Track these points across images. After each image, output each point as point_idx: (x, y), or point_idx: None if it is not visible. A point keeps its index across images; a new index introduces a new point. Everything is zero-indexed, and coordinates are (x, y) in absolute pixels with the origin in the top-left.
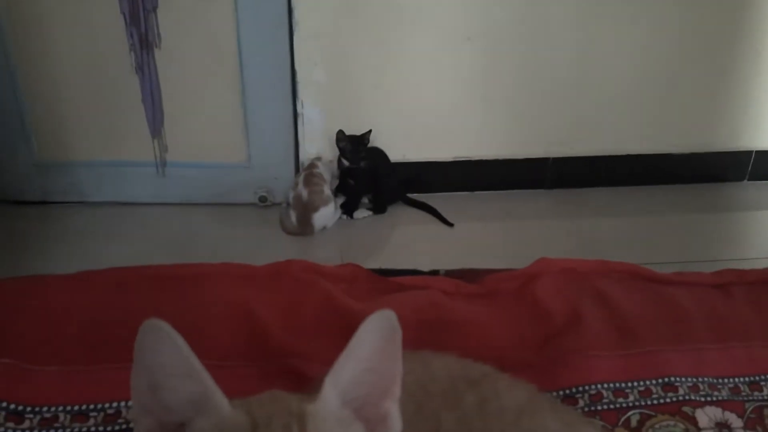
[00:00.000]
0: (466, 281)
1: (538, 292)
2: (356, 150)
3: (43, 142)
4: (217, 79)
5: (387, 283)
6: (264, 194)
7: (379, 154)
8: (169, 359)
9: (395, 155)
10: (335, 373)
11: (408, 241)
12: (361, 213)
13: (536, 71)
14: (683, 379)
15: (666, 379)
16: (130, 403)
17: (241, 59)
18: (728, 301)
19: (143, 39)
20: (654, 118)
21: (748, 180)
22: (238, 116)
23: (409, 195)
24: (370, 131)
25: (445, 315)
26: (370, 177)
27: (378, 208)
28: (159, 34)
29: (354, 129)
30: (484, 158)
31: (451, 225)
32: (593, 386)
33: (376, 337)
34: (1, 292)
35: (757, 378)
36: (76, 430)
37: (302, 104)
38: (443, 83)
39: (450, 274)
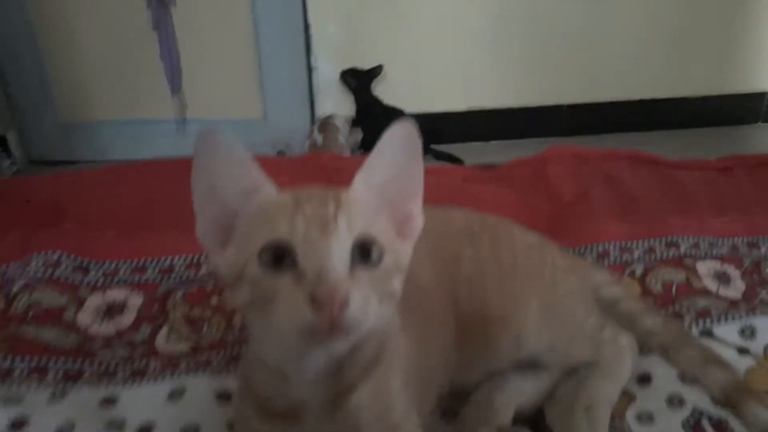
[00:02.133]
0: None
1: (549, 175)
2: (365, 86)
3: (65, 103)
4: (231, 35)
5: None
6: (282, 148)
7: (398, 113)
8: (224, 159)
9: (410, 108)
10: (363, 172)
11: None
12: None
13: (549, 18)
14: (685, 238)
15: (669, 239)
16: (182, 258)
17: (255, 15)
18: (731, 180)
19: None
20: (667, 62)
21: (762, 122)
22: (253, 72)
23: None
24: (381, 66)
25: (462, 193)
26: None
27: None
28: None
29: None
30: (499, 107)
31: None
32: (600, 245)
33: (397, 145)
34: (56, 182)
35: (755, 239)
36: (136, 280)
37: (316, 58)
38: (456, 33)
39: None
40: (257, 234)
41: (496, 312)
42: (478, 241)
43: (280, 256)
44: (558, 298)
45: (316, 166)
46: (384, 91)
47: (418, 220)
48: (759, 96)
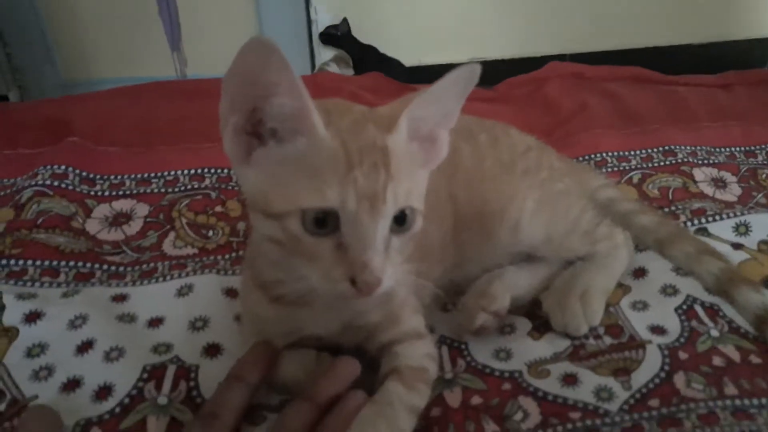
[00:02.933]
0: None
1: (548, 92)
2: (348, 36)
3: (66, 62)
4: None
5: (409, 88)
6: None
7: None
8: (275, 75)
9: (411, 59)
10: (412, 110)
11: None
12: None
13: None
14: (682, 147)
15: (666, 147)
16: (186, 171)
17: None
18: (730, 95)
19: None
20: (671, 8)
21: None
22: (253, 26)
23: None
24: (345, 19)
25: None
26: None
27: None
28: None
29: (367, 33)
30: (502, 58)
31: None
32: (598, 154)
33: (457, 86)
34: (58, 103)
35: (753, 148)
36: (141, 191)
37: (315, 10)
38: None
39: None
40: (302, 186)
41: (494, 206)
42: (476, 138)
43: (324, 219)
44: (554, 195)
45: (315, 86)
46: (384, 43)
47: (444, 148)
48: (765, 42)
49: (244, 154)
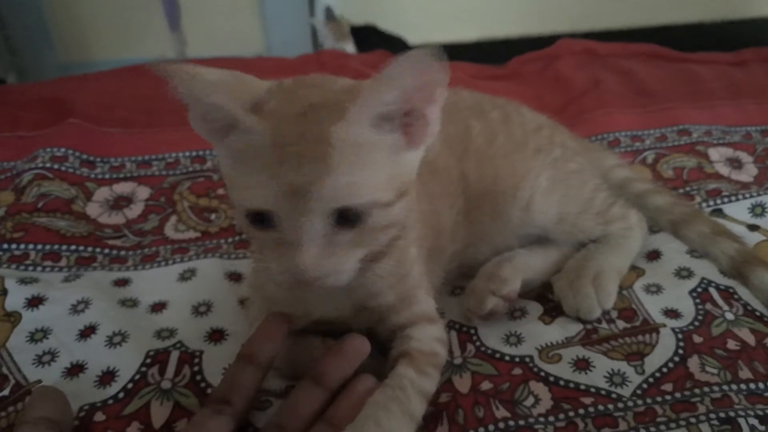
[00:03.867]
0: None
1: (559, 69)
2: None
3: (64, 44)
4: None
5: None
6: None
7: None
8: (193, 95)
9: (418, 38)
10: (366, 98)
11: None
12: None
13: None
14: (697, 126)
15: (681, 127)
16: (188, 153)
17: None
18: (745, 72)
19: None
20: None
21: None
22: (254, 6)
23: None
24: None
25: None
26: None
27: None
28: None
29: (372, 13)
30: (510, 37)
31: None
32: (611, 134)
33: (408, 77)
34: (58, 84)
35: None
36: (142, 173)
37: None
38: None
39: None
40: (242, 184)
41: (506, 184)
42: (487, 116)
43: (262, 215)
44: (567, 174)
45: (318, 65)
46: (389, 20)
47: (435, 126)
48: None
49: (217, 135)
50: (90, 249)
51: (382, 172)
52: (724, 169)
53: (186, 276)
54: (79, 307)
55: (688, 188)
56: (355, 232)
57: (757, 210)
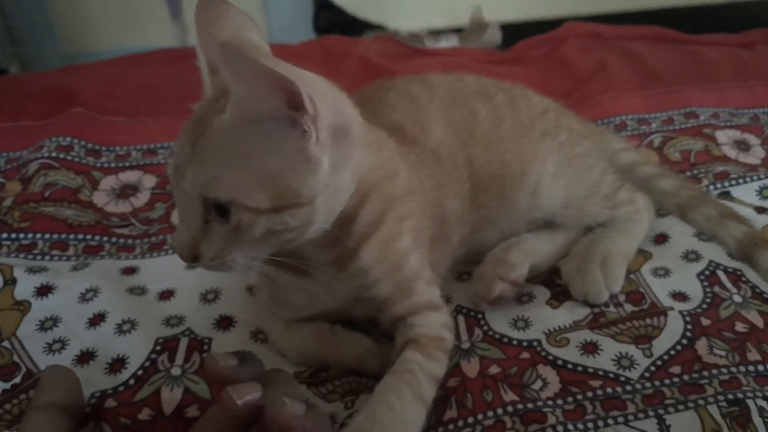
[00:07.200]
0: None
1: (565, 52)
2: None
3: (66, 34)
4: None
5: (420, 51)
6: None
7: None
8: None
9: (415, 24)
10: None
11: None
12: None
13: None
14: (704, 109)
15: (688, 110)
16: None
17: None
18: (753, 53)
19: None
20: None
21: None
22: None
23: None
24: None
25: (473, 73)
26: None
27: None
28: None
29: None
30: (510, 21)
31: None
32: (617, 117)
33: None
34: (62, 73)
35: None
36: (148, 162)
37: None
38: None
39: None
40: None
41: (513, 168)
42: (493, 99)
43: None
44: (574, 158)
45: (321, 51)
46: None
47: (324, 145)
48: None
49: None
50: (97, 238)
51: (254, 176)
52: (731, 152)
53: None
54: (88, 295)
55: (695, 171)
56: (227, 228)
57: (765, 192)
